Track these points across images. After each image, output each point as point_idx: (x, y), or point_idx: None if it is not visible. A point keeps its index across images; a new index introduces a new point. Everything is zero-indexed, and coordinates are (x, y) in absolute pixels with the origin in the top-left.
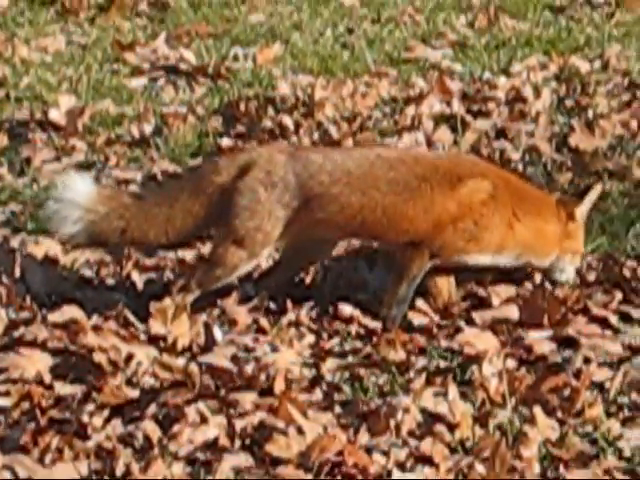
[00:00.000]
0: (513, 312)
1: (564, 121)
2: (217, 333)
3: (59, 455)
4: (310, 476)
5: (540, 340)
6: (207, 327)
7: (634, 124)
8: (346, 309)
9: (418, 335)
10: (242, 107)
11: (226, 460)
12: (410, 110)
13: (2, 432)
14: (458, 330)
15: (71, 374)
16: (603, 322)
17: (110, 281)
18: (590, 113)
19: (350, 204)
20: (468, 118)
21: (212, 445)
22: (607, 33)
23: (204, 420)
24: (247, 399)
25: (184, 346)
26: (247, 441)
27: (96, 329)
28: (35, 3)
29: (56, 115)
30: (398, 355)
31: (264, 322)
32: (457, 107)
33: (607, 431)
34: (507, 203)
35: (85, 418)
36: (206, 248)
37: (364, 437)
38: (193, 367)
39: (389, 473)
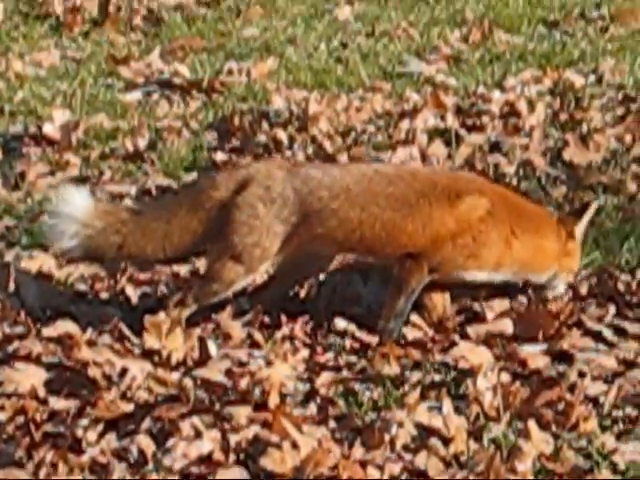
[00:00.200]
0: (507, 326)
1: (558, 135)
2: (211, 347)
3: (54, 469)
4: None
5: (534, 354)
6: (201, 341)
7: (628, 138)
8: (340, 323)
9: (413, 349)
10: (236, 121)
11: (220, 474)
12: (404, 124)
13: None
14: (452, 344)
15: (65, 388)
16: (597, 336)
17: (104, 295)
18: (584, 127)
19: (349, 219)
20: (462, 132)
21: (206, 459)
22: (601, 47)
23: (198, 434)
24: (241, 413)
25: (178, 360)
26: (241, 455)
27: (90, 343)
28: (29, 17)
29: (50, 129)
30: (392, 369)
31: (258, 336)
32: (451, 121)
33: (601, 445)
34: (505, 220)
35: (79, 432)
36: (201, 263)
37: (358, 451)
38: (187, 381)
39: None
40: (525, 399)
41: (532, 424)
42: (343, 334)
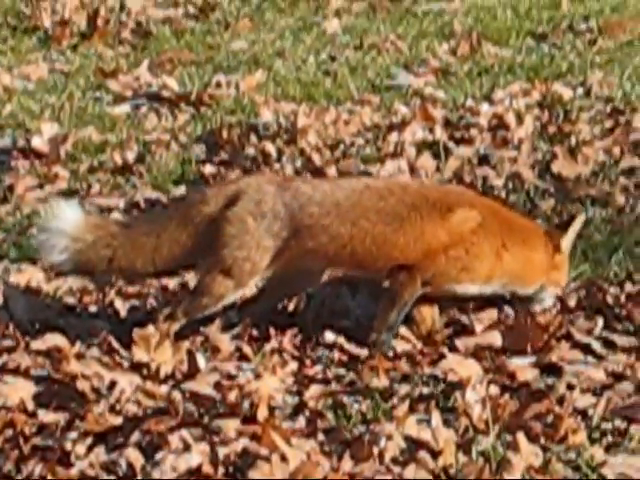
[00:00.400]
0: (496, 339)
1: (547, 148)
2: (200, 360)
3: None
4: None
5: (523, 367)
6: (190, 354)
7: (617, 150)
8: (329, 336)
9: (401, 362)
10: (225, 134)
11: None
12: (393, 137)
13: None
14: (441, 357)
15: (54, 402)
16: (586, 349)
17: (93, 308)
18: (573, 140)
19: (340, 234)
20: (451, 145)
21: (195, 472)
22: (590, 60)
23: (187, 447)
24: (230, 426)
25: (167, 373)
26: (230, 468)
27: (79, 356)
28: (18, 30)
29: (39, 142)
30: (381, 382)
31: (247, 349)
32: (440, 134)
33: (590, 458)
34: (496, 232)
35: (68, 446)
36: (190, 276)
37: (347, 464)
38: (176, 394)
39: None
40: (514, 412)
41: (521, 437)
42: (332, 347)
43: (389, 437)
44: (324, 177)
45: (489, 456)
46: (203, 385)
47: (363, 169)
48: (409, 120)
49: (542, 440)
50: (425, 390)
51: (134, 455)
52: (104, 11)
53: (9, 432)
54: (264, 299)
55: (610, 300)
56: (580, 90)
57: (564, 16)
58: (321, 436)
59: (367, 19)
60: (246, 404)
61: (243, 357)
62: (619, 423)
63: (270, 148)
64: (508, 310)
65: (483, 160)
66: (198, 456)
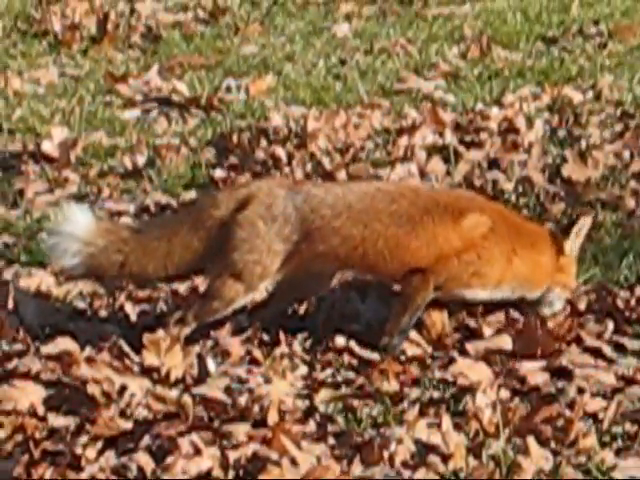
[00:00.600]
0: (506, 343)
1: (557, 152)
2: (210, 364)
3: None
4: None
5: (533, 371)
6: (200, 358)
7: (627, 154)
8: (339, 340)
9: (411, 366)
10: (235, 138)
11: None
12: (403, 141)
13: None
14: (451, 361)
15: (64, 406)
16: (596, 352)
17: (103, 313)
18: (583, 143)
19: (351, 237)
20: (461, 149)
21: (206, 476)
22: (600, 64)
23: (198, 451)
24: (240, 430)
25: (177, 378)
26: (241, 472)
27: (89, 361)
28: (28, 35)
29: (49, 147)
30: (391, 386)
31: (257, 353)
32: (450, 138)
33: (601, 461)
34: (505, 236)
35: (79, 450)
36: (200, 280)
37: (358, 468)
38: (186, 398)
39: None
40: (524, 415)
41: (531, 440)
42: (342, 351)
43: (399, 441)
44: (334, 181)
45: (499, 460)
46: (213, 389)
47: (373, 173)
48: (419, 124)
49: (552, 444)
50: (435, 394)
51: (144, 459)
52: (114, 15)
53: (19, 436)
54: (274, 303)
55: (620, 304)
56: (590, 94)
57: (574, 20)
58: (331, 440)
59: (377, 23)
60: (256, 408)
61: (253, 361)
62: (629, 427)
63: (280, 152)
64: (515, 314)
65: (493, 164)
66: (208, 460)
